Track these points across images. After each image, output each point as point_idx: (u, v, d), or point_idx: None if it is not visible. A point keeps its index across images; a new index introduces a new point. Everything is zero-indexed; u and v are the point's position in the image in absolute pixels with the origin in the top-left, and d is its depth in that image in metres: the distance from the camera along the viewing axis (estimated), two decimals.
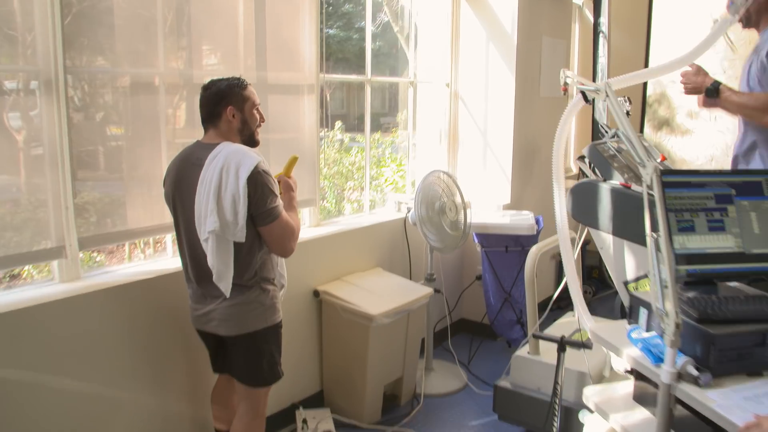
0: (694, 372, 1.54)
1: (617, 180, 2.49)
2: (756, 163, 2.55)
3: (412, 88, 4.06)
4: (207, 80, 2.23)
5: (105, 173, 2.44)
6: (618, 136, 2.82)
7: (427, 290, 3.31)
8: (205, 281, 2.18)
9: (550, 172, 4.82)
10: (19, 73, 2.15)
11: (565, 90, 2.33)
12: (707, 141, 4.98)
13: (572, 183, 5.02)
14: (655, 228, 1.61)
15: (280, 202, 2.18)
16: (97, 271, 2.44)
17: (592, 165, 4.12)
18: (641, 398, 1.85)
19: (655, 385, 1.69)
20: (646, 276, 2.37)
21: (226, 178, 2.07)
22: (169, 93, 2.57)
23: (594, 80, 4.16)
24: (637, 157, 1.68)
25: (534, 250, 2.86)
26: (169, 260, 2.64)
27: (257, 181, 2.08)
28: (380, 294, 3.16)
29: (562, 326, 3.23)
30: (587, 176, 4.29)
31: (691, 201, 1.75)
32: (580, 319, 2.13)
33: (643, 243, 2.32)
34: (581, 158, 4.31)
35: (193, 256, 2.19)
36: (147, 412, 2.45)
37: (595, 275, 5.24)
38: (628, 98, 2.70)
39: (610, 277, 5.53)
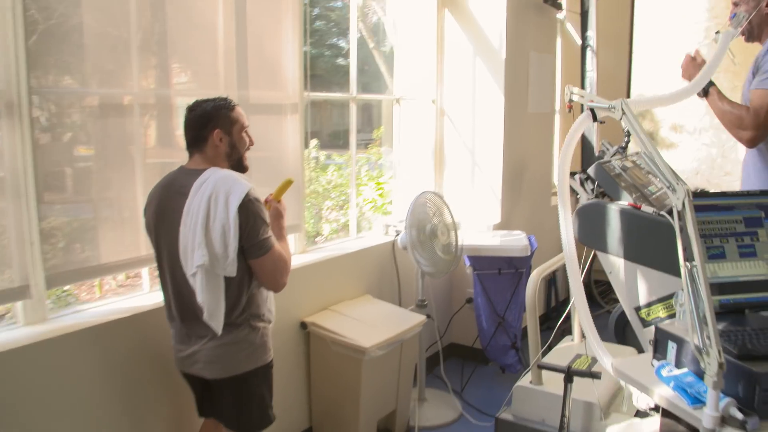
0: (740, 416, 1.40)
1: (625, 200, 2.38)
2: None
3: (397, 105, 3.93)
4: (190, 101, 2.06)
5: (73, 196, 2.25)
6: (621, 153, 2.73)
7: (420, 318, 3.15)
8: (190, 319, 1.99)
9: (539, 190, 4.74)
10: None
11: (570, 107, 2.22)
12: (692, 155, 4.94)
13: None
14: (688, 257, 1.49)
15: (271, 232, 2.01)
16: (65, 310, 2.22)
17: (582, 182, 4.02)
18: None
19: (687, 425, 1.56)
20: (659, 301, 2.25)
21: (215, 207, 1.89)
22: (144, 113, 2.39)
23: None
24: (665, 180, 1.55)
25: (535, 275, 2.73)
26: (145, 296, 2.44)
27: (249, 211, 1.91)
28: (371, 324, 2.99)
29: (561, 353, 3.10)
30: (577, 194, 4.20)
31: (720, 225, 1.64)
32: (596, 354, 1.98)
33: (657, 267, 2.22)
34: (572, 175, 4.23)
35: (178, 293, 2.00)
36: None
37: None
38: None
39: (599, 295, 5.43)
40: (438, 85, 4.05)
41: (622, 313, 3.93)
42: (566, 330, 4.43)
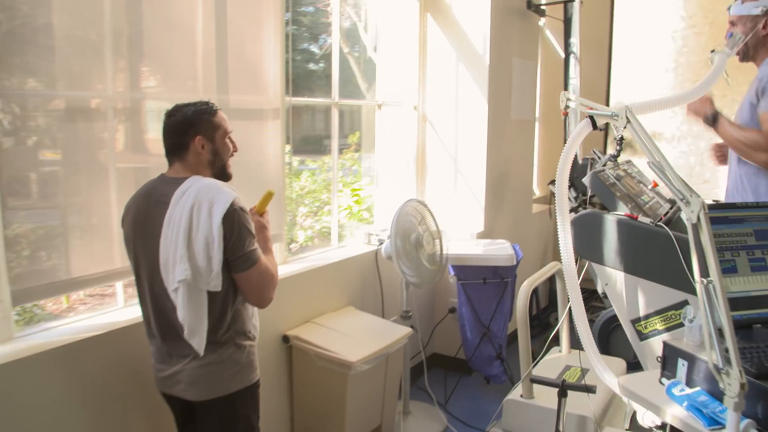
0: None
1: (621, 211, 2.32)
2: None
3: (379, 110, 3.84)
4: (168, 105, 1.94)
5: (39, 202, 2.10)
6: (613, 161, 2.68)
7: (406, 330, 3.06)
8: (172, 337, 1.86)
9: (521, 197, 4.69)
10: None
11: (566, 114, 2.16)
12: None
13: (539, 207, 4.90)
14: (703, 272, 1.42)
15: (257, 244, 1.90)
16: (33, 328, 2.07)
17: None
18: None
19: None
20: (656, 314, 2.20)
21: (198, 217, 1.77)
22: (117, 117, 2.25)
23: None
24: (677, 192, 1.49)
25: (526, 285, 2.66)
26: (119, 311, 2.30)
27: (234, 221, 1.79)
28: (356, 337, 2.89)
29: (549, 364, 3.04)
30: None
31: (731, 239, 1.58)
32: (598, 372, 1.91)
33: (655, 279, 2.17)
34: (553, 182, 4.18)
35: (158, 309, 1.87)
36: None
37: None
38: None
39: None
40: (420, 91, 3.97)
41: (606, 322, 3.90)
42: (549, 339, 4.40)
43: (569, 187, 4.07)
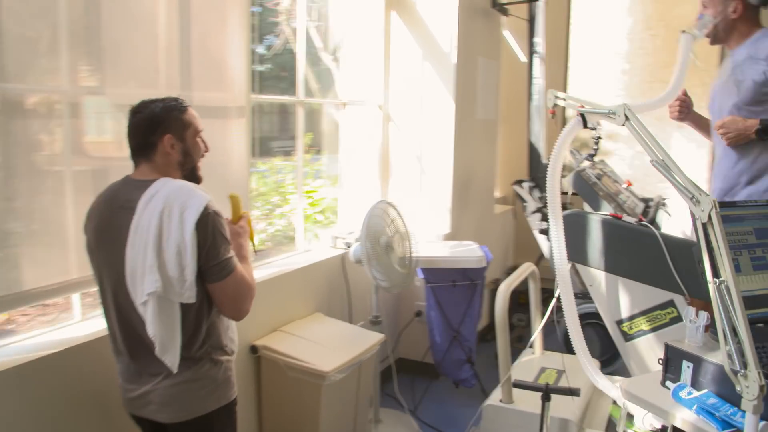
0: None
1: (605, 210, 2.29)
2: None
3: (342, 109, 3.73)
4: (128, 101, 1.78)
5: None
6: (591, 160, 2.66)
7: (378, 336, 2.96)
8: (141, 355, 1.70)
9: (486, 198, 4.64)
10: None
11: (554, 113, 2.11)
12: (627, 162, 5.04)
13: (501, 208, 4.88)
14: (715, 272, 1.38)
15: (233, 251, 1.76)
16: None
17: (530, 190, 3.96)
18: None
19: None
20: (642, 314, 2.18)
21: (168, 224, 1.62)
22: (70, 114, 2.07)
23: (530, 103, 4.03)
24: (686, 191, 1.44)
25: (503, 288, 2.60)
26: (77, 326, 2.11)
27: (208, 226, 1.65)
28: (328, 345, 2.77)
29: (524, 366, 3.00)
30: (525, 201, 4.13)
31: (732, 237, 1.55)
32: (593, 379, 1.87)
33: (642, 279, 2.16)
34: (518, 183, 4.16)
35: (124, 324, 1.71)
36: None
37: (522, 301, 5.08)
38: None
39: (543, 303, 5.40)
40: (384, 90, 3.88)
41: None
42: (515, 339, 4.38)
43: (534, 187, 4.06)
